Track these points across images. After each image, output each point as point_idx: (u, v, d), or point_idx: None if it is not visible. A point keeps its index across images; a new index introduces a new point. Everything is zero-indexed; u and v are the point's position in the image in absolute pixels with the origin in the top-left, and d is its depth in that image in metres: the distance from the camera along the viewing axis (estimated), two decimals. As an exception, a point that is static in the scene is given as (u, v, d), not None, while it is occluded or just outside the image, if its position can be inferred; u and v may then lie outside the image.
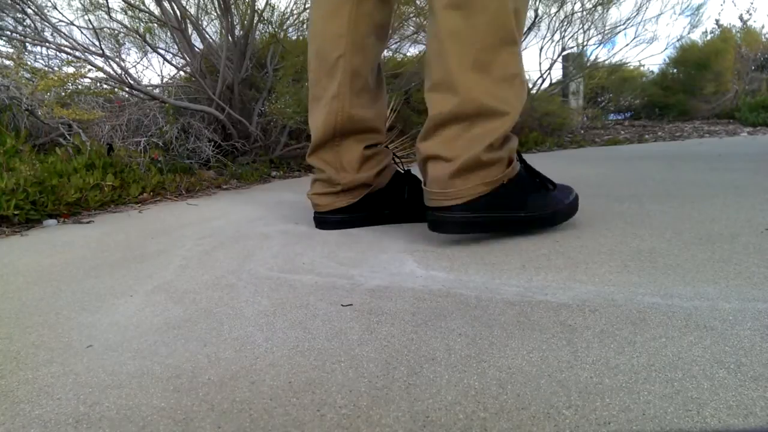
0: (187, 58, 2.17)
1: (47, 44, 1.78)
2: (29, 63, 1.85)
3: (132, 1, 2.02)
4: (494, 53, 0.77)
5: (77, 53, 1.70)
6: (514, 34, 0.78)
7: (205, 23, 2.31)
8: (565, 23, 3.58)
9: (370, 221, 1.03)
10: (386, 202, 1.03)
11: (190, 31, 2.11)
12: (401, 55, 2.84)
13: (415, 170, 1.10)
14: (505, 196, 0.81)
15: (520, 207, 0.82)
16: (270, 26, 2.31)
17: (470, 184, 0.79)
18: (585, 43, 3.73)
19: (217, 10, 2.15)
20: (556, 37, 3.65)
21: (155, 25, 2.27)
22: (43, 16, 1.76)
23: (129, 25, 2.24)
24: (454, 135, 0.79)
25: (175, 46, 2.29)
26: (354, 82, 0.95)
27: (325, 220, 1.03)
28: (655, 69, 5.04)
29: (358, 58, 0.95)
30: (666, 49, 5.83)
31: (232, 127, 2.11)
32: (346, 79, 0.95)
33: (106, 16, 2.09)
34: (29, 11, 1.76)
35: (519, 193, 0.82)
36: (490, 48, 0.77)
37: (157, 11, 2.00)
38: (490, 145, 0.78)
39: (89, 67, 1.68)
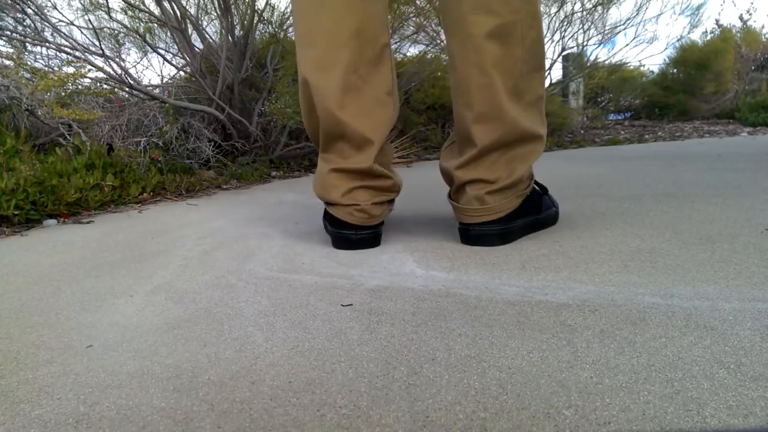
0: (187, 58, 2.17)
1: (47, 44, 1.78)
2: (29, 63, 1.85)
3: (132, 1, 2.02)
4: (528, 80, 0.80)
5: (77, 53, 1.70)
6: (544, 60, 0.82)
7: (205, 23, 2.31)
8: (565, 23, 3.57)
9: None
10: None
11: (190, 31, 2.11)
12: (401, 55, 2.84)
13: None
14: (529, 202, 0.87)
15: (539, 209, 0.90)
16: (270, 26, 2.31)
17: (507, 199, 0.83)
18: (585, 43, 3.72)
19: (217, 10, 2.15)
20: (556, 37, 3.65)
21: (155, 25, 2.27)
22: (43, 16, 1.76)
23: (129, 25, 2.24)
24: (495, 159, 0.82)
25: (175, 46, 2.29)
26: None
27: (375, 236, 0.88)
28: (655, 69, 5.04)
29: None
30: (666, 49, 5.84)
31: (232, 127, 2.11)
32: (394, 74, 0.85)
33: (106, 16, 2.09)
34: (29, 11, 1.76)
35: (537, 197, 0.90)
36: (526, 75, 0.79)
37: (157, 11, 1.99)
38: (530, 166, 0.84)
39: (89, 67, 1.68)
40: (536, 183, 0.92)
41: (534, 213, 0.89)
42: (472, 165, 0.83)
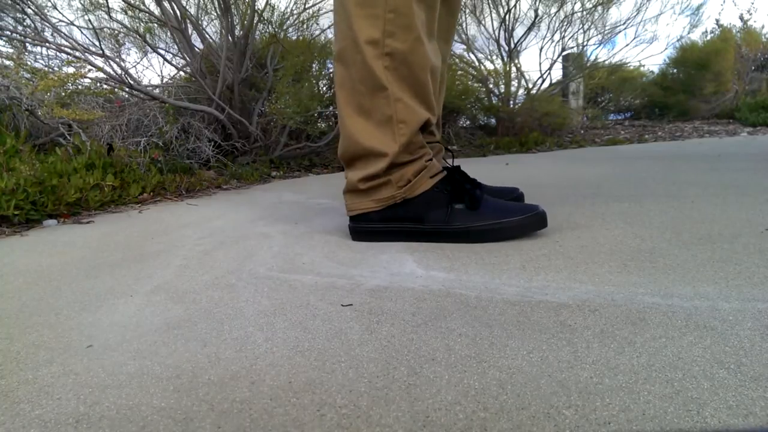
0: (187, 58, 2.17)
1: (47, 44, 1.78)
2: (29, 63, 1.85)
3: (132, 1, 2.02)
4: (371, 99, 0.87)
5: (77, 53, 1.70)
6: (382, 81, 0.84)
7: (205, 23, 2.31)
8: (565, 23, 3.58)
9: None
10: None
11: (190, 31, 2.11)
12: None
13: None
14: (403, 211, 0.90)
15: (419, 220, 0.90)
16: (270, 26, 2.31)
17: (362, 200, 0.92)
18: (585, 43, 3.72)
19: (217, 10, 2.15)
20: (556, 37, 3.65)
21: (155, 25, 2.27)
22: (43, 16, 1.76)
23: (129, 25, 2.24)
24: (360, 167, 0.91)
25: (175, 46, 2.29)
26: None
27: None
28: (655, 69, 5.04)
29: None
30: (666, 49, 5.84)
31: (232, 127, 2.11)
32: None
33: (106, 16, 2.09)
34: (29, 11, 1.76)
35: (419, 209, 0.90)
36: (366, 95, 0.87)
37: (157, 11, 2.00)
38: (365, 177, 0.90)
39: (89, 67, 1.68)
40: (465, 195, 0.87)
41: (409, 222, 0.89)
42: (348, 168, 0.94)
